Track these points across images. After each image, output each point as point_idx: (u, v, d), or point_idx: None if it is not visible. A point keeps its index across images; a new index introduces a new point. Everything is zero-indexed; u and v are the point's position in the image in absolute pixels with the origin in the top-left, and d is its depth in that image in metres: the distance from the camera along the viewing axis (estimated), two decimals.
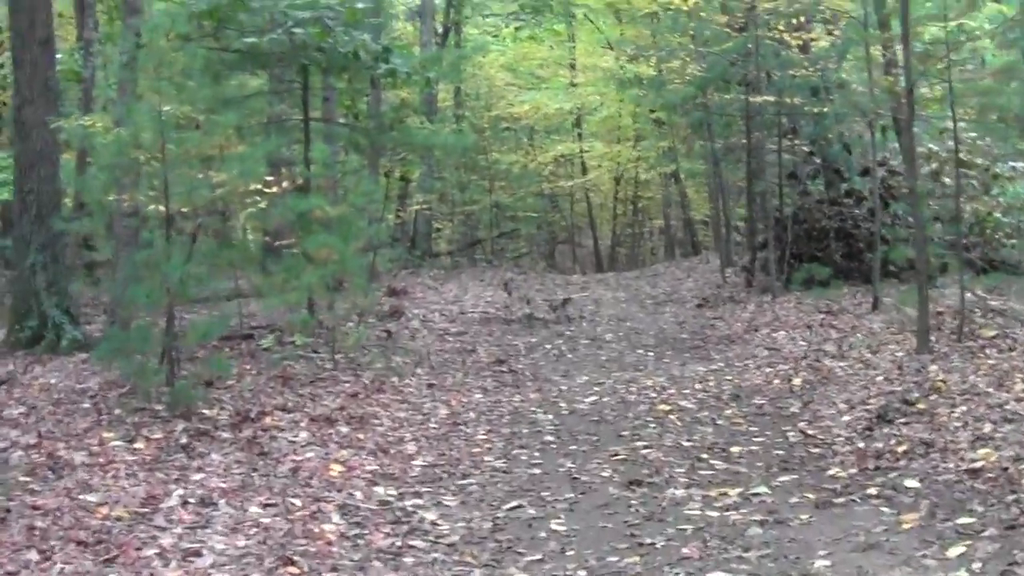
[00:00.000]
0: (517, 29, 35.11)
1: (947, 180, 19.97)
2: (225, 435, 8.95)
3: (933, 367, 10.12)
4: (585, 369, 13.41)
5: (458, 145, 15.23)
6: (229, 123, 10.77)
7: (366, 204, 13.34)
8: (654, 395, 11.14)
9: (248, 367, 12.16)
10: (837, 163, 19.86)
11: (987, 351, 10.56)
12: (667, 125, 27.93)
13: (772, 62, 19.02)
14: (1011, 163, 21.21)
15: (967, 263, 15.98)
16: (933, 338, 11.26)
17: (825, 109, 18.17)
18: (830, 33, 20.52)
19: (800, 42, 18.94)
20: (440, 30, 31.95)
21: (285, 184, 12.10)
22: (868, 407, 9.28)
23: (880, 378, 10.21)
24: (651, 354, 14.43)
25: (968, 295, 15.26)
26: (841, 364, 11.22)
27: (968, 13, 12.55)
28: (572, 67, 35.00)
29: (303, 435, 9.15)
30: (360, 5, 12.78)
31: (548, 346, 15.64)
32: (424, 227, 30.57)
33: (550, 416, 10.43)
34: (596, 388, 11.80)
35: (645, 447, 8.83)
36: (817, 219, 18.86)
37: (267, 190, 11.78)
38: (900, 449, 7.89)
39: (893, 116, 17.06)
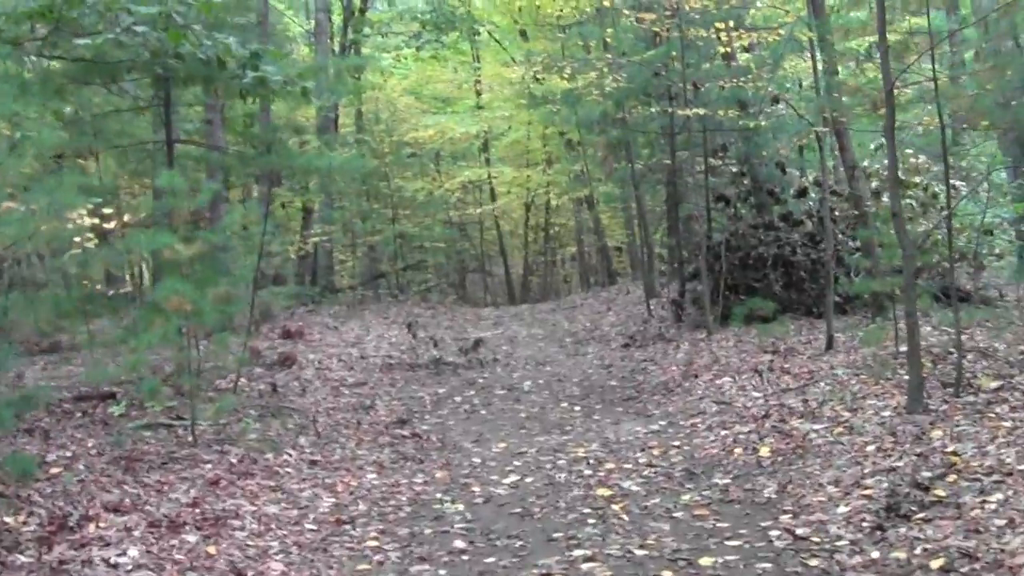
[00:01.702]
0: (418, 49, 32.81)
1: (885, 199, 18.19)
2: (23, 559, 6.50)
3: (936, 433, 7.97)
4: (502, 431, 11.10)
5: (348, 168, 12.83)
6: (49, 143, 8.37)
7: (231, 239, 10.93)
8: (588, 472, 8.85)
9: (90, 444, 9.70)
10: (771, 184, 17.82)
11: (995, 409, 8.41)
12: (581, 146, 25.80)
13: (698, 72, 16.92)
14: (953, 182, 19.51)
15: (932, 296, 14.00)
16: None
17: (763, 123, 16.09)
18: (747, 50, 18.49)
19: (727, 50, 16.88)
20: (337, 50, 29.57)
21: (127, 218, 9.64)
22: (867, 491, 7.08)
23: (871, 448, 8.03)
24: (578, 408, 12.15)
25: (929, 329, 13.31)
26: (815, 427, 8.99)
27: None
28: (478, 89, 32.93)
29: (133, 552, 6.73)
30: None
31: (458, 398, 13.35)
32: (325, 260, 28.08)
33: (460, 507, 8.08)
34: (516, 462, 9.47)
35: (585, 559, 6.53)
36: (752, 246, 16.79)
37: (107, 226, 9.33)
38: (934, 564, 5.70)
39: (835, 129, 15.10)
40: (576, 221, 33.86)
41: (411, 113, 32.49)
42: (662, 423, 10.66)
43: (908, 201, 18.80)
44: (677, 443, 9.56)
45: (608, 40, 19.66)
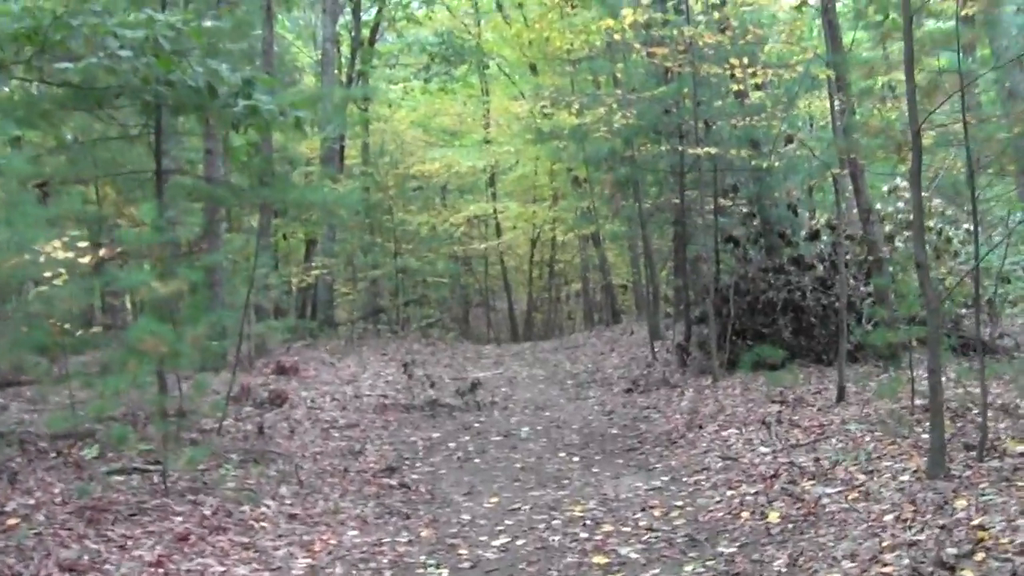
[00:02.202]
0: (426, 81, 32.35)
1: (899, 244, 17.74)
2: None
3: (960, 502, 7.32)
4: (495, 483, 10.46)
5: (343, 203, 12.20)
6: (21, 171, 7.80)
7: (225, 272, 10.33)
8: (584, 535, 8.21)
9: (56, 491, 9.09)
10: (782, 226, 17.23)
11: None
12: (588, 183, 25.23)
13: (710, 109, 16.36)
14: (965, 226, 18.99)
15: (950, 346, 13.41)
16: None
17: (776, 163, 15.51)
18: (759, 88, 17.92)
19: (740, 87, 16.30)
20: (345, 81, 29.16)
21: (103, 252, 9.04)
22: (886, 569, 6.43)
23: (889, 517, 7.38)
24: (576, 459, 11.51)
25: (944, 380, 12.73)
26: (828, 491, 8.34)
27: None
28: (486, 123, 32.47)
29: None
30: (208, 24, 9.82)
31: (452, 444, 12.72)
32: (325, 294, 27.51)
33: (444, 573, 7.44)
34: (508, 520, 8.83)
35: None
36: (762, 290, 16.19)
37: (82, 260, 8.74)
38: None
39: (851, 171, 14.53)
40: (582, 258, 33.35)
41: (417, 146, 32.07)
42: (664, 479, 10.02)
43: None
44: (680, 503, 8.91)
45: (618, 75, 19.13)
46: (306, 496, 9.58)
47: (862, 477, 8.51)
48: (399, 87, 33.12)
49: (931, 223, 18.63)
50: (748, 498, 8.66)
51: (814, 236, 17.18)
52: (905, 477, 8.22)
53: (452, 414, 14.95)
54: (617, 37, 16.29)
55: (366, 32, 31.11)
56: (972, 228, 19.29)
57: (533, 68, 29.11)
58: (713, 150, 15.15)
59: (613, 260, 31.79)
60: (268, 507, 9.01)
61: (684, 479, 9.89)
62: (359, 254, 27.37)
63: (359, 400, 16.17)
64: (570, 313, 37.34)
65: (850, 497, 8.04)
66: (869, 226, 15.00)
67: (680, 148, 16.30)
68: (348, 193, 14.45)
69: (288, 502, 9.32)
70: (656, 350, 19.16)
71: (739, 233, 17.61)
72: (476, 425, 14.01)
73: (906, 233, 17.82)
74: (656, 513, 8.64)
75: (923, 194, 19.68)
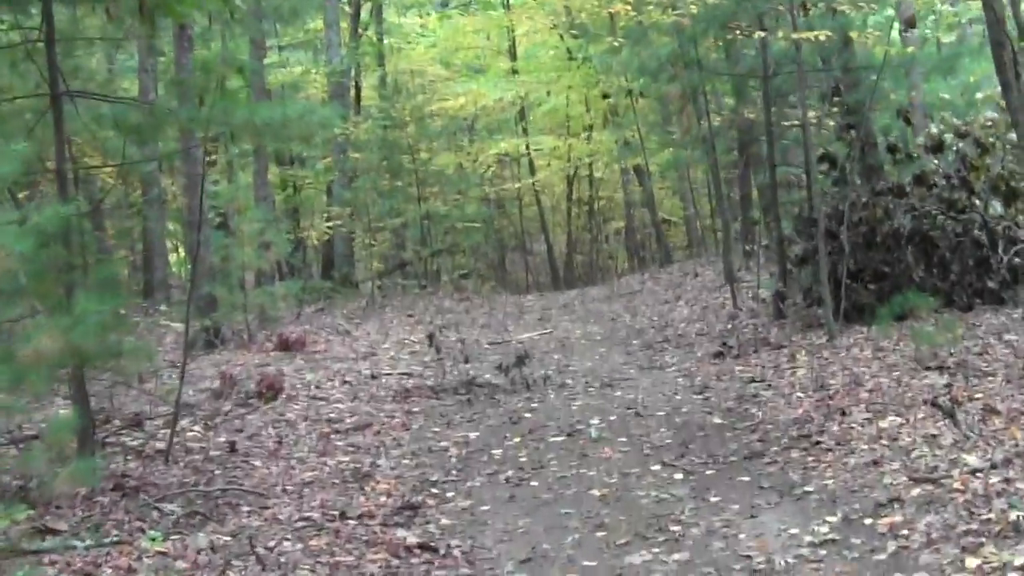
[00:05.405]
0: (444, 6, 28.36)
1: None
2: None
3: None
4: (567, 532, 6.56)
5: (308, 122, 8.23)
6: None
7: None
8: None
9: None
10: (891, 139, 13.24)
11: None
12: (640, 99, 21.08)
13: None
14: None
15: None
16: None
17: (910, 49, 11.51)
18: None
19: None
20: (352, 12, 25.19)
21: None
22: None
23: None
24: (679, 476, 7.58)
25: None
26: None
27: None
28: (513, 48, 28.55)
29: None
30: None
31: (496, 452, 8.89)
32: (343, 248, 23.52)
33: None
34: None
35: None
36: (879, 219, 12.24)
37: None
38: None
39: (1003, 60, 10.52)
40: (625, 194, 29.38)
41: (440, 81, 28.25)
42: (831, 519, 6.12)
43: None
44: None
45: None
46: None
47: None
48: (414, 17, 29.03)
49: None
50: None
51: (937, 148, 13.15)
52: None
53: (494, 398, 11.16)
54: None
55: None
56: None
57: None
58: (824, 34, 11.03)
59: (660, 193, 27.94)
60: None
61: (864, 519, 6.01)
62: (377, 200, 23.10)
63: (376, 382, 12.41)
64: (611, 253, 33.47)
65: None
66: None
67: (772, 36, 12.14)
68: (315, 108, 10.47)
69: None
70: (738, 298, 15.25)
71: (835, 149, 13.59)
72: (527, 416, 10.19)
73: None
74: None
75: None
